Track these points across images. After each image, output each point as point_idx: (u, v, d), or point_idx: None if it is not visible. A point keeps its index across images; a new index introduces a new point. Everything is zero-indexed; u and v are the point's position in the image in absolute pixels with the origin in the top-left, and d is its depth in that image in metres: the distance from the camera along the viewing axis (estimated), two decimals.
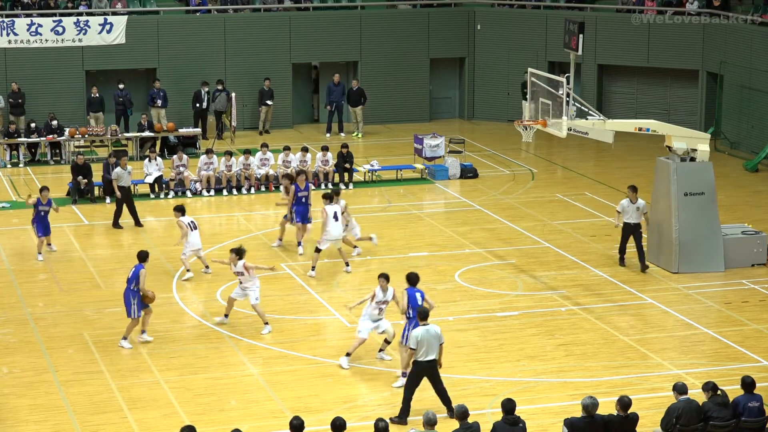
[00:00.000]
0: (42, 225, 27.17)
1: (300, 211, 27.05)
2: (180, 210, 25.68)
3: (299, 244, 27.25)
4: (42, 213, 27.22)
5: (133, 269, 21.73)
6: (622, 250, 26.39)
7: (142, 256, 21.99)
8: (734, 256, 26.16)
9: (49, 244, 27.46)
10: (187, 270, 25.42)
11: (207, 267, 25.88)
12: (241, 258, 22.33)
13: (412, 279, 20.19)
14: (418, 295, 19.93)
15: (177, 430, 15.05)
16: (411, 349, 18.32)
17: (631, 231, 26.03)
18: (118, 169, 29.61)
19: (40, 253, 26.97)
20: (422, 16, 42.70)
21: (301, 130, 41.34)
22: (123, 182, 29.46)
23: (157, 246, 28.00)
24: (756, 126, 37.39)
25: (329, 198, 25.45)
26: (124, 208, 29.44)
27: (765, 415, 16.70)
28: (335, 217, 25.19)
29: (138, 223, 29.50)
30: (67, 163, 35.41)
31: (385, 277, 20.66)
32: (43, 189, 27.50)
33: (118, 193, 29.47)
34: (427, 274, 25.15)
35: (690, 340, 22.33)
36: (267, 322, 22.47)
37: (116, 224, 29.39)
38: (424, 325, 18.33)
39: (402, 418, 18.25)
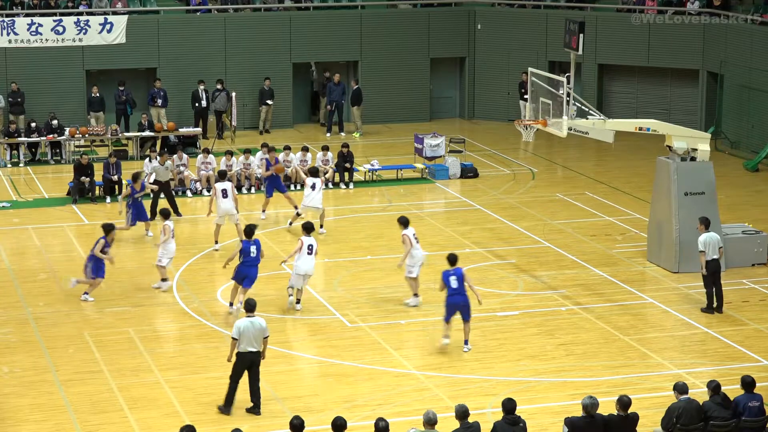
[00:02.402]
0: (137, 211, 28.06)
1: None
2: (165, 214, 25.16)
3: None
4: (138, 200, 28.00)
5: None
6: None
7: (106, 229, 24.08)
8: (734, 256, 26.15)
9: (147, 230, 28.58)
10: (163, 279, 24.71)
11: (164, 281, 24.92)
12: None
13: (451, 260, 21.40)
14: (452, 278, 21.07)
15: (177, 429, 15.06)
16: (233, 339, 18.60)
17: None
18: (155, 164, 30.10)
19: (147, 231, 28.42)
20: (422, 16, 42.70)
21: (302, 129, 41.34)
22: (160, 177, 29.97)
23: (158, 245, 27.96)
24: (756, 126, 37.39)
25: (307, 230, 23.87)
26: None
27: (765, 414, 16.70)
28: (309, 250, 23.41)
29: (176, 213, 29.97)
30: (67, 163, 35.41)
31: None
32: (136, 175, 28.55)
33: (154, 187, 29.86)
34: (427, 273, 25.12)
35: (690, 340, 22.34)
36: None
37: (153, 215, 29.61)
38: (249, 317, 18.63)
39: (227, 407, 18.73)
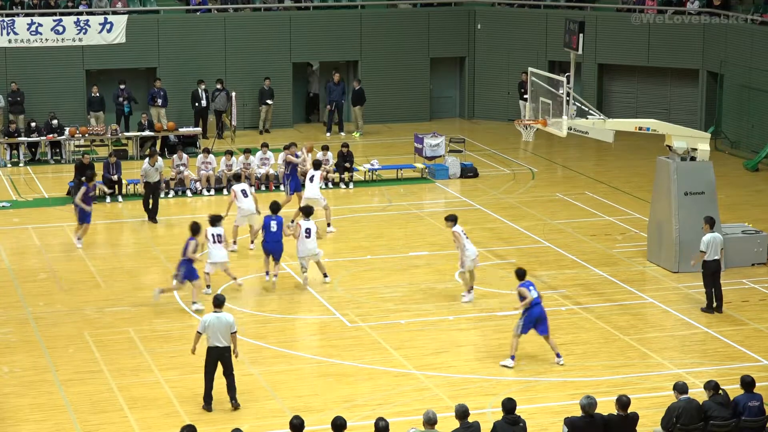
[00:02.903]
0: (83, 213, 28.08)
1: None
2: (195, 230, 23.79)
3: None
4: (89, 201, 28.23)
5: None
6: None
7: (194, 230, 23.69)
8: (734, 256, 26.14)
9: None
10: (207, 285, 24.52)
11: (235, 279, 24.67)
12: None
13: (521, 274, 20.89)
14: (531, 288, 20.63)
15: (177, 429, 15.06)
16: (197, 332, 18.92)
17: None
18: (146, 166, 29.82)
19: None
20: (422, 16, 42.70)
21: (302, 129, 41.33)
22: (151, 179, 29.65)
23: (158, 245, 28.03)
24: (756, 125, 37.39)
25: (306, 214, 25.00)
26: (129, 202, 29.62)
27: (765, 414, 16.70)
28: (307, 234, 24.37)
29: (153, 220, 29.63)
30: (67, 163, 35.41)
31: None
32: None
33: (142, 190, 29.69)
34: (428, 273, 25.14)
35: (690, 340, 22.34)
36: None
37: (152, 218, 29.53)
38: (216, 312, 18.86)
39: (206, 404, 18.93)
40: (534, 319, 20.64)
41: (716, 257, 23.42)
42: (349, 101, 41.11)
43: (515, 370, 20.72)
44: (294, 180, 29.78)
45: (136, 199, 31.13)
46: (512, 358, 20.72)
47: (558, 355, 20.85)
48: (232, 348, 18.88)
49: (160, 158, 30.78)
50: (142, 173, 30.02)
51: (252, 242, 27.35)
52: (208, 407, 18.92)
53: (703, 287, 23.74)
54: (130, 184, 32.21)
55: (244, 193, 27.19)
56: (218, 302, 19.02)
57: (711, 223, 23.65)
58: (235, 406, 18.96)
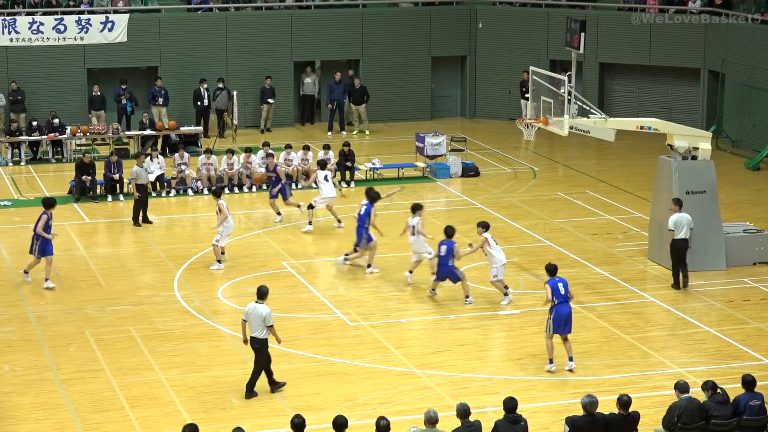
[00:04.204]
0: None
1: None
2: (217, 193, 26.66)
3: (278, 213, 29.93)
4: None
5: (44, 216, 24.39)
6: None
7: (48, 204, 24.81)
8: (736, 255, 26.16)
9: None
10: (218, 260, 26.08)
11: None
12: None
13: (552, 270, 20.69)
14: (560, 285, 20.36)
15: (179, 428, 15.07)
16: (242, 320, 19.55)
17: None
18: (135, 168, 29.68)
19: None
20: (424, 15, 42.69)
21: (303, 128, 41.33)
22: (141, 180, 29.50)
23: (158, 244, 28.03)
24: (757, 124, 37.39)
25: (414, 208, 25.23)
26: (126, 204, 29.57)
27: (766, 413, 16.69)
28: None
29: (145, 221, 29.49)
30: (68, 162, 35.41)
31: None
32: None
33: (136, 194, 29.49)
34: (429, 272, 25.10)
35: (691, 339, 22.33)
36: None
37: (136, 222, 29.40)
38: (257, 302, 19.30)
39: (247, 391, 19.46)
40: (561, 317, 20.32)
41: (685, 236, 24.45)
42: (351, 100, 41.09)
43: (515, 369, 20.72)
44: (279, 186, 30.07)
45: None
46: (550, 361, 20.53)
47: (570, 359, 20.65)
48: (270, 340, 19.31)
49: (149, 158, 30.79)
50: (132, 175, 29.92)
51: (339, 221, 29.11)
52: (249, 394, 19.36)
53: (703, 287, 23.77)
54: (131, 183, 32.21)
55: (326, 178, 28.82)
56: (260, 293, 19.41)
57: (679, 204, 24.64)
58: (248, 397, 19.28)
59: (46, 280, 24.70)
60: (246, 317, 19.39)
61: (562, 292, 20.37)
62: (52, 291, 24.54)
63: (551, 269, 20.68)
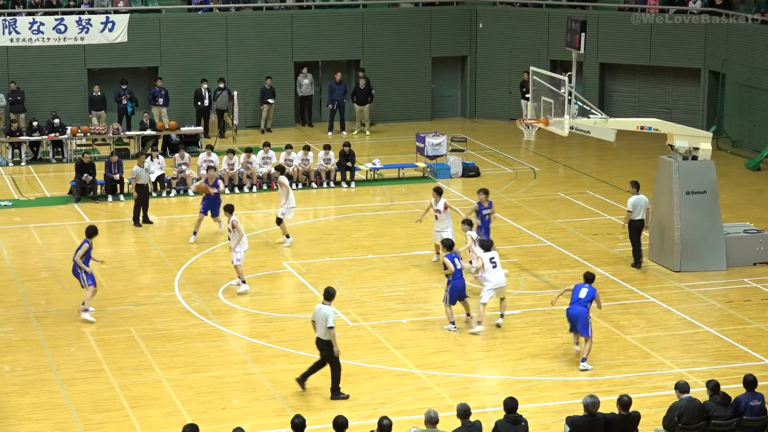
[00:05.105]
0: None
1: (207, 203, 28.12)
2: (229, 209, 24.67)
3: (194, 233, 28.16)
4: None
5: (84, 245, 22.95)
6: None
7: (91, 232, 23.21)
8: (736, 255, 26.16)
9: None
10: (243, 281, 24.48)
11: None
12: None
13: (589, 278, 21.02)
14: (582, 290, 20.71)
15: (179, 428, 15.07)
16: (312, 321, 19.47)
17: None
18: (135, 168, 29.66)
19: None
20: (424, 15, 42.69)
21: (303, 128, 41.34)
22: (141, 180, 29.49)
23: (159, 244, 28.03)
24: (758, 124, 37.39)
25: (485, 248, 22.86)
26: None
27: (767, 413, 16.68)
28: (493, 264, 22.46)
29: (146, 221, 29.47)
30: (69, 162, 35.41)
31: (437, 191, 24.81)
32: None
33: (135, 193, 29.49)
34: (429, 272, 25.13)
35: (692, 339, 22.33)
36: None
37: (136, 222, 29.39)
38: (324, 303, 19.25)
39: (298, 381, 19.58)
40: (569, 316, 20.78)
41: (641, 217, 25.81)
42: (352, 100, 41.09)
43: (515, 370, 20.72)
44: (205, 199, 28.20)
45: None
46: (583, 359, 20.73)
47: (583, 360, 20.67)
48: (331, 341, 19.18)
49: (150, 158, 30.77)
50: (132, 175, 29.93)
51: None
52: (301, 384, 19.51)
53: (704, 286, 23.76)
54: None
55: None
56: (327, 294, 19.39)
57: (637, 186, 25.88)
58: (332, 397, 19.28)
59: (86, 310, 23.00)
60: (314, 318, 19.33)
61: (581, 297, 20.61)
62: (84, 320, 23.03)
63: (588, 278, 21.00)
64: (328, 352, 19.27)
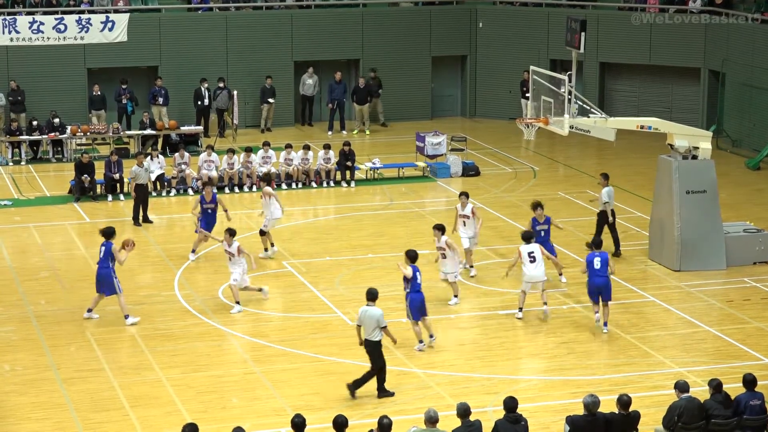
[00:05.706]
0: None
1: (205, 221, 26.67)
2: (231, 233, 23.55)
3: (193, 251, 26.90)
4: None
5: (104, 248, 22.61)
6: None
7: (108, 233, 22.91)
8: (736, 254, 26.16)
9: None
10: (237, 302, 23.69)
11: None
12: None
13: (597, 243, 22.69)
14: (596, 259, 21.94)
15: (179, 427, 15.06)
16: (357, 325, 19.57)
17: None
18: (135, 167, 29.64)
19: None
20: (424, 14, 42.70)
21: (303, 128, 41.34)
22: (140, 180, 29.47)
23: (159, 243, 28.04)
24: (758, 124, 37.39)
25: (526, 239, 23.29)
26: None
27: (766, 413, 16.68)
28: (531, 259, 22.87)
29: (146, 220, 29.46)
30: (69, 161, 35.41)
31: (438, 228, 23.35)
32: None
33: (133, 193, 29.48)
34: (429, 272, 25.10)
35: (692, 338, 22.33)
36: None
37: (136, 221, 29.37)
38: (368, 305, 19.36)
39: (350, 388, 19.49)
40: (596, 288, 22.06)
41: (612, 207, 26.98)
42: (352, 99, 41.09)
43: (515, 369, 20.72)
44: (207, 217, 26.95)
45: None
46: (605, 324, 22.25)
47: (605, 324, 22.20)
48: (384, 341, 19.36)
49: (150, 158, 30.73)
50: (131, 175, 29.93)
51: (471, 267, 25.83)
52: (351, 393, 19.41)
53: (704, 285, 23.70)
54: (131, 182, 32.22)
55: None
56: (371, 295, 19.46)
57: (607, 177, 26.96)
58: (379, 396, 19.36)
59: (127, 317, 22.72)
60: (360, 321, 19.31)
61: (597, 267, 21.84)
62: (87, 317, 22.94)
63: (596, 243, 22.54)
64: (372, 353, 19.29)
